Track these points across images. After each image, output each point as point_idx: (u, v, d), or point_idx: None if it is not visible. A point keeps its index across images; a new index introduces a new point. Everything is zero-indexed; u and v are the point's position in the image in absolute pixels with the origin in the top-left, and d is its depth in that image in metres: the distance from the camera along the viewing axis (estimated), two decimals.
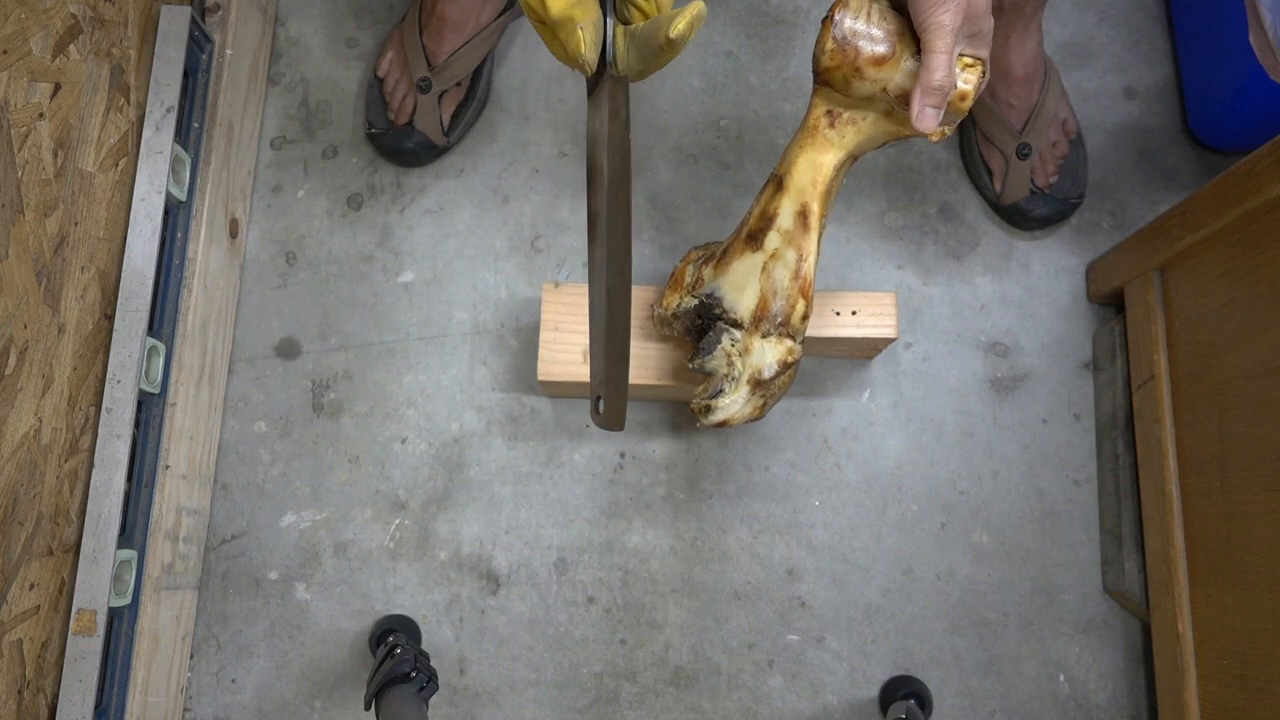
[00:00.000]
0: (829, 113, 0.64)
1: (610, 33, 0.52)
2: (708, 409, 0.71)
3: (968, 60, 0.60)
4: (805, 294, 0.68)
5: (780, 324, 0.69)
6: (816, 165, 0.65)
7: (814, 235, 0.67)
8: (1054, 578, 0.90)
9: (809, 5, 1.02)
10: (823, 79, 0.62)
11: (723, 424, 0.71)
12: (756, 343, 0.70)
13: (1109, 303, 0.94)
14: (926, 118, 0.57)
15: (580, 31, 0.49)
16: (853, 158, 0.66)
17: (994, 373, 0.94)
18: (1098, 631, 0.89)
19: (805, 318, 0.70)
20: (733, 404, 0.70)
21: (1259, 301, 0.71)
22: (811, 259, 0.67)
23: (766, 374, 0.70)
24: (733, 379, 0.71)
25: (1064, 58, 1.00)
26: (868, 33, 0.59)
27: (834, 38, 0.59)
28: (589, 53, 0.50)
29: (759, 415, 0.73)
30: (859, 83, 0.60)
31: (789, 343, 0.70)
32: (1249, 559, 0.71)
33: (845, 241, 0.96)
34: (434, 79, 0.94)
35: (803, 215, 0.67)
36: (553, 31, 0.50)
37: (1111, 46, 1.01)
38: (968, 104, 0.60)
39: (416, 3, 0.96)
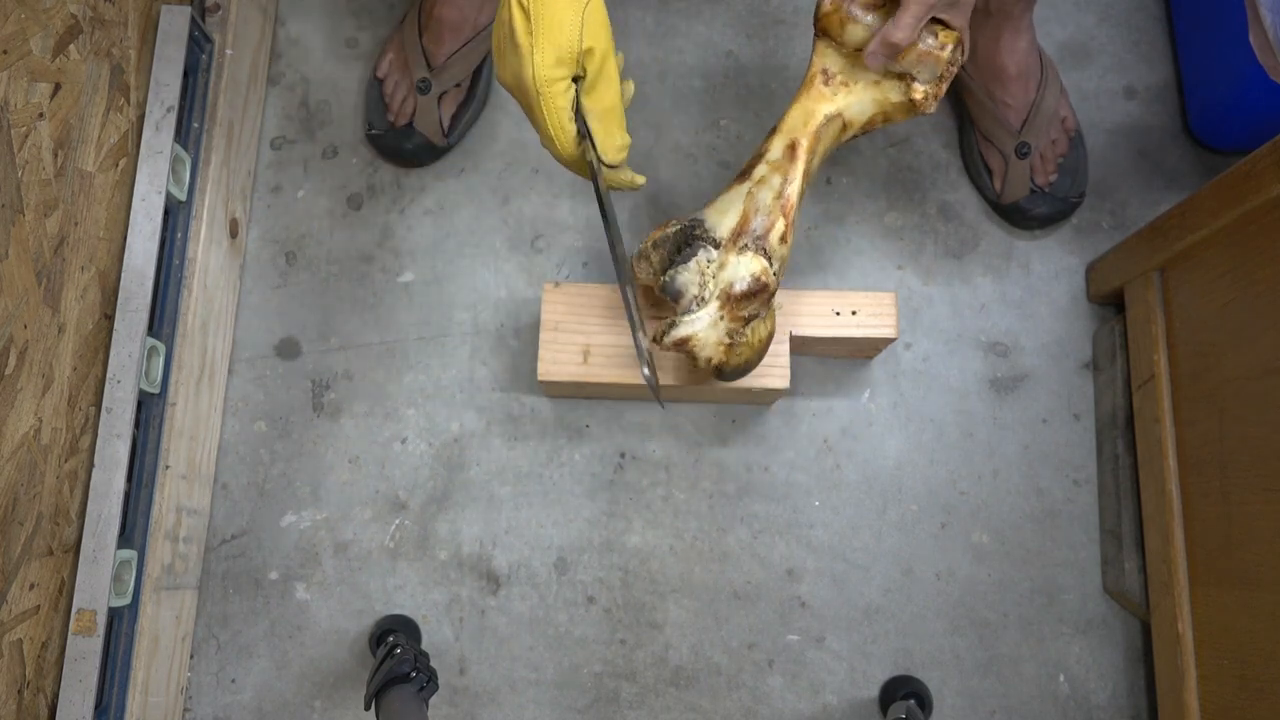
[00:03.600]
0: (824, 71, 0.69)
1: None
2: (671, 325, 0.69)
3: (943, 30, 0.65)
4: (786, 214, 0.69)
5: (758, 238, 0.69)
6: (809, 111, 0.69)
7: (800, 166, 0.69)
8: (1054, 578, 0.90)
9: (809, 5, 1.02)
10: (821, 26, 0.68)
11: (683, 343, 0.68)
12: (732, 258, 0.69)
13: (1109, 303, 0.94)
14: (874, 59, 0.66)
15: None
16: (844, 121, 0.69)
17: (994, 373, 0.94)
18: (1098, 631, 0.89)
19: (784, 240, 0.69)
20: (698, 320, 0.68)
21: (1259, 301, 0.71)
22: (796, 184, 0.69)
23: (738, 287, 0.68)
24: (702, 300, 0.69)
25: (1064, 58, 1.00)
26: None
27: None
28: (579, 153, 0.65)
29: (725, 359, 0.69)
30: (852, 26, 0.66)
31: (764, 262, 0.68)
32: (1249, 559, 0.71)
33: (845, 241, 0.96)
34: (433, 80, 0.94)
35: (791, 148, 0.69)
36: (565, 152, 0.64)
37: (1111, 46, 1.01)
38: (944, 64, 0.65)
39: (415, 4, 0.96)
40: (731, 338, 0.69)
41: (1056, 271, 0.96)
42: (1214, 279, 0.76)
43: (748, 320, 0.69)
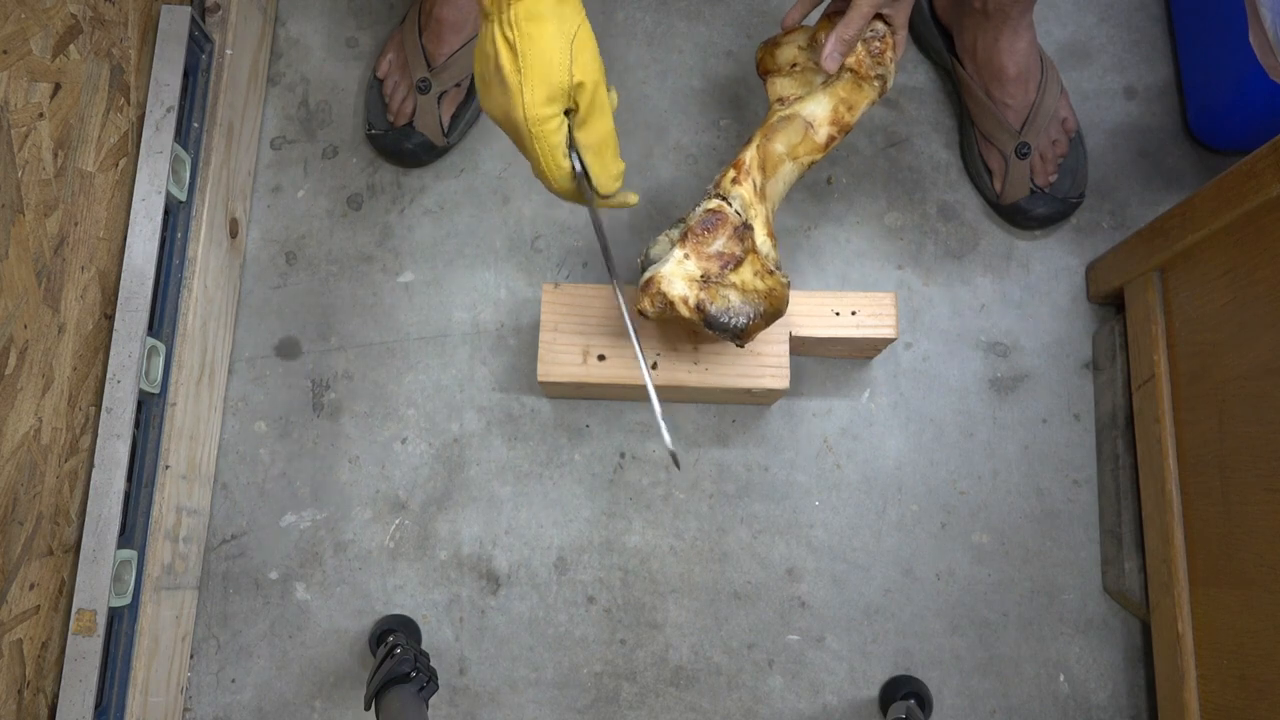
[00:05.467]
0: (780, 99, 0.77)
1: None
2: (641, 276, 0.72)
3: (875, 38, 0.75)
4: (737, 166, 0.73)
5: (712, 186, 0.73)
6: (766, 120, 0.77)
7: (753, 142, 0.74)
8: (1054, 578, 0.90)
9: None
10: (762, 70, 0.79)
11: (649, 286, 0.70)
12: (690, 214, 0.73)
13: (1109, 303, 0.94)
14: (832, 60, 0.72)
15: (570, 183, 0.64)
16: (806, 121, 0.75)
17: (994, 373, 0.94)
18: (1098, 631, 0.89)
19: (736, 182, 0.72)
20: (663, 262, 0.70)
21: (1259, 301, 0.71)
22: (748, 154, 0.74)
23: (693, 222, 0.71)
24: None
25: (1064, 58, 1.00)
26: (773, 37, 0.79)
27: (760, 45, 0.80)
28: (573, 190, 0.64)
29: (706, 296, 0.70)
30: (780, 50, 0.78)
31: (717, 200, 0.71)
32: (1249, 559, 0.71)
33: (845, 241, 0.96)
34: (433, 80, 0.94)
35: (748, 141, 0.75)
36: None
37: (1111, 46, 1.01)
38: (874, 39, 0.74)
39: (415, 4, 0.96)
40: (707, 277, 0.70)
41: (1056, 271, 0.96)
42: (1214, 279, 0.76)
43: (723, 261, 0.70)
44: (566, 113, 0.60)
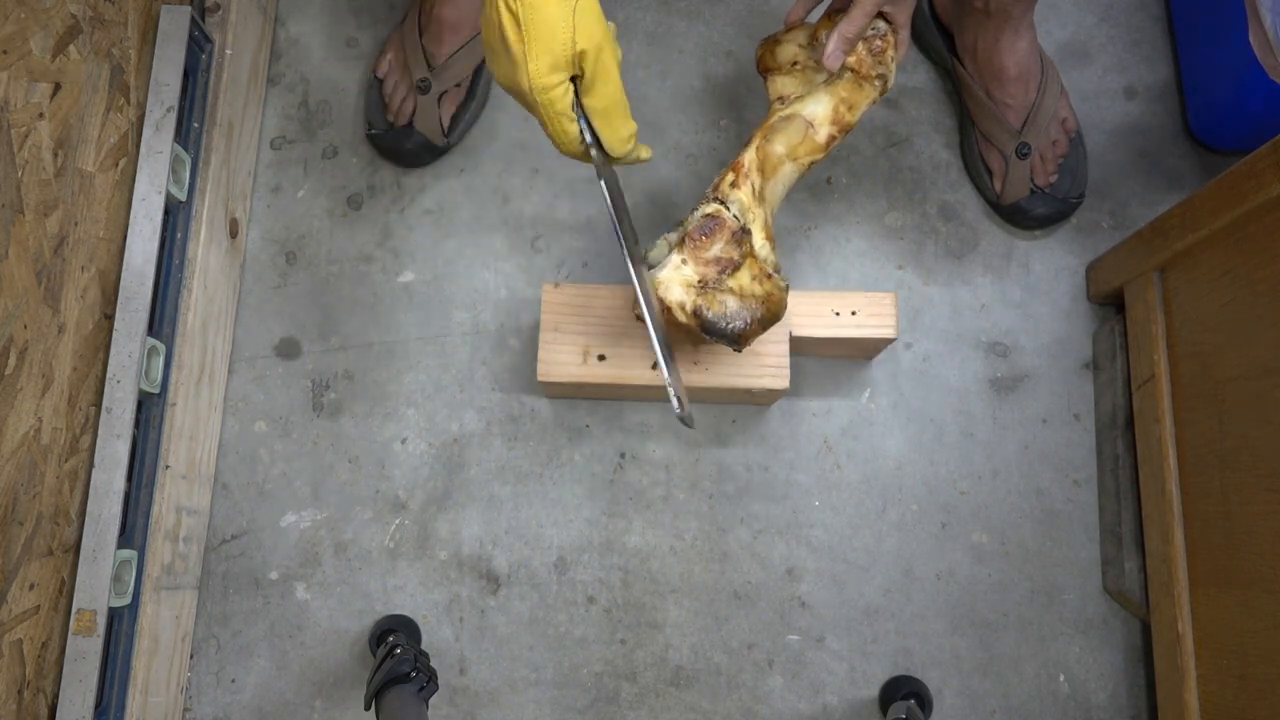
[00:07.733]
0: (780, 98, 0.78)
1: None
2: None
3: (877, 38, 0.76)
4: (735, 169, 0.73)
5: (709, 193, 0.73)
6: (765, 120, 0.77)
7: (753, 144, 0.74)
8: (1054, 578, 0.90)
9: None
10: (762, 68, 0.79)
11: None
12: (689, 218, 0.73)
13: (1109, 303, 0.94)
14: (834, 58, 0.73)
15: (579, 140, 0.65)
16: (806, 120, 0.75)
17: (994, 373, 0.94)
18: (1098, 631, 0.89)
19: (735, 185, 0.73)
20: (660, 267, 0.71)
21: (1259, 301, 0.71)
22: (747, 156, 0.74)
23: (691, 227, 0.71)
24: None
25: (1064, 58, 1.00)
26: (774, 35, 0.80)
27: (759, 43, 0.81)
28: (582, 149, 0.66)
29: (703, 302, 0.70)
30: (781, 48, 0.78)
31: (715, 204, 0.72)
32: (1249, 559, 0.71)
33: (845, 241, 0.96)
34: (433, 80, 0.94)
35: (748, 142, 0.75)
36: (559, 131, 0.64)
37: (1111, 46, 1.01)
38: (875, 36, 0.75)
39: (416, 4, 0.96)
40: (704, 282, 0.71)
41: (1056, 271, 0.96)
42: (1214, 279, 0.76)
43: (721, 266, 0.71)
44: (573, 79, 0.61)
